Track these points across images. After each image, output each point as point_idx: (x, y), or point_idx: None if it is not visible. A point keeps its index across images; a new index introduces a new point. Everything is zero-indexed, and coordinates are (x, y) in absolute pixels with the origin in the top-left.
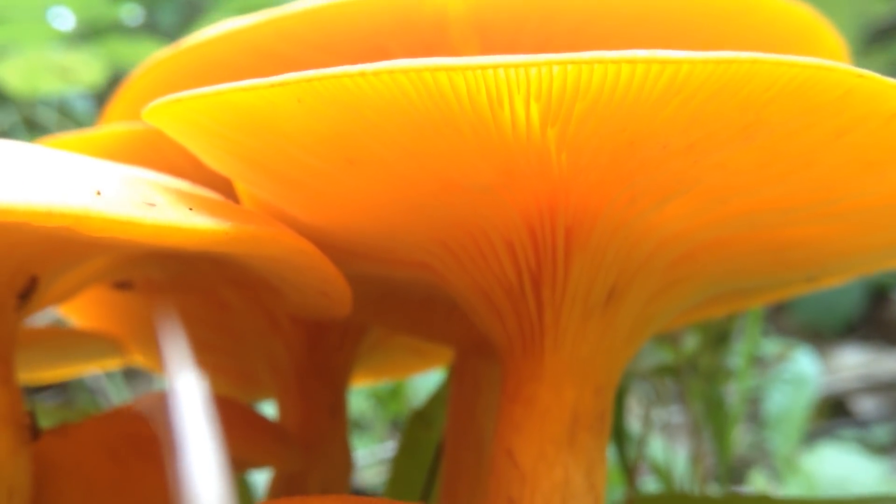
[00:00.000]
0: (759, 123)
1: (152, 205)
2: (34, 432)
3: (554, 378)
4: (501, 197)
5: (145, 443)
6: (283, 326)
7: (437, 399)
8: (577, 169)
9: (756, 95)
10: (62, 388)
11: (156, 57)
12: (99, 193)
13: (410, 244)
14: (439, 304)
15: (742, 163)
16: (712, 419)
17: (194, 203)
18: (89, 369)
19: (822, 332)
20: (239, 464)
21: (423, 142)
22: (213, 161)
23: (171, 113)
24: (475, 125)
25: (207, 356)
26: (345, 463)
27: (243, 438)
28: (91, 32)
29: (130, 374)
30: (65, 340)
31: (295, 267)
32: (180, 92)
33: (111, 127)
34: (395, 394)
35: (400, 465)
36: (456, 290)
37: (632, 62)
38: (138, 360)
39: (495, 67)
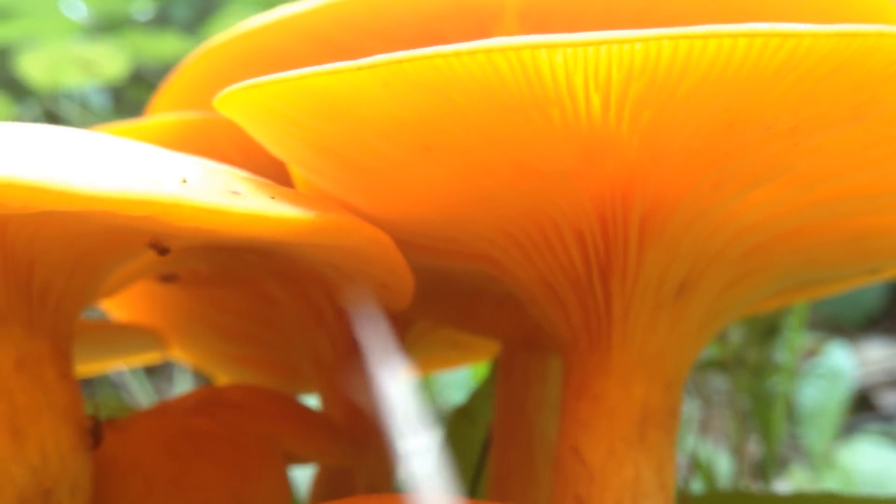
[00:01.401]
0: (872, 102)
1: (237, 193)
2: (97, 435)
3: (622, 373)
4: (576, 184)
5: (202, 438)
6: (328, 320)
7: (481, 394)
8: (664, 153)
9: (877, 72)
10: (86, 384)
11: (208, 45)
12: (185, 181)
13: (475, 235)
14: (488, 297)
15: (843, 145)
16: (759, 414)
17: (274, 192)
18: (129, 363)
19: (844, 326)
20: (289, 458)
21: (508, 126)
22: (281, 149)
23: (246, 98)
24: (566, 107)
25: (250, 349)
26: (391, 459)
27: (296, 432)
28: (108, 26)
29: (151, 370)
30: (108, 334)
31: (368, 258)
32: (255, 78)
33: (164, 116)
34: (422, 388)
35: (447, 462)
36: (517, 283)
37: (750, 36)
38: (176, 354)
39: (599, 44)
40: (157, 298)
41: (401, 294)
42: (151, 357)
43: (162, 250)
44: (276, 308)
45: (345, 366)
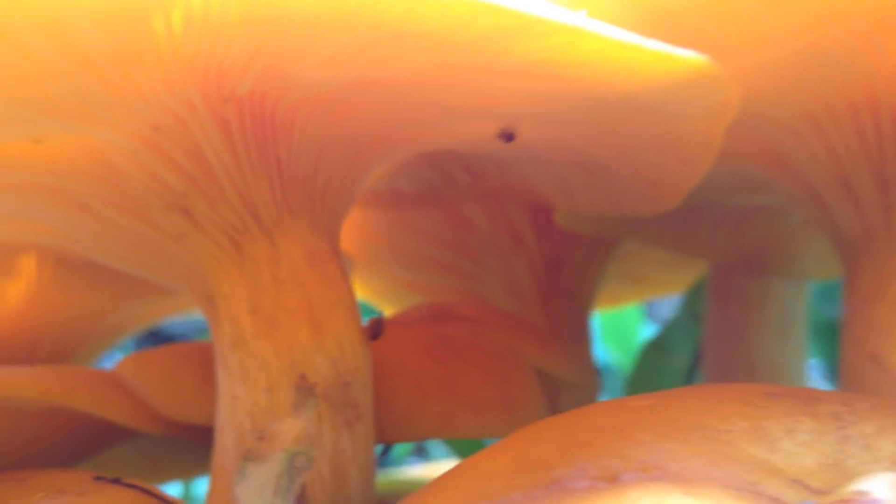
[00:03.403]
0: None
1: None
2: (376, 331)
3: None
4: None
5: (458, 344)
6: (528, 244)
7: (676, 324)
8: None
9: None
10: None
11: None
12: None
13: (772, 121)
14: (708, 215)
15: None
16: None
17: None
18: None
19: None
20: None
21: None
22: None
23: None
24: None
25: (437, 277)
26: (594, 386)
27: (537, 345)
28: None
29: None
30: None
31: (708, 121)
32: None
33: None
34: None
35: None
36: (797, 183)
37: None
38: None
39: None
40: (348, 222)
41: (669, 194)
42: None
43: (509, 136)
44: (471, 232)
45: (542, 290)
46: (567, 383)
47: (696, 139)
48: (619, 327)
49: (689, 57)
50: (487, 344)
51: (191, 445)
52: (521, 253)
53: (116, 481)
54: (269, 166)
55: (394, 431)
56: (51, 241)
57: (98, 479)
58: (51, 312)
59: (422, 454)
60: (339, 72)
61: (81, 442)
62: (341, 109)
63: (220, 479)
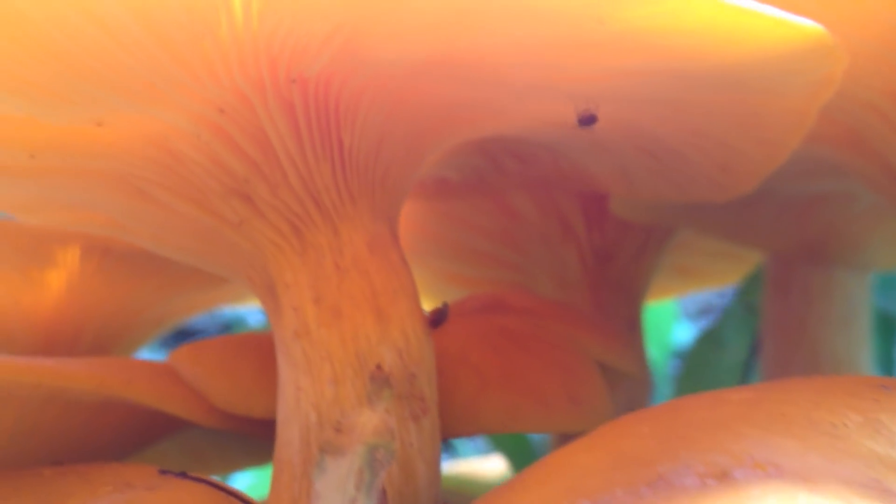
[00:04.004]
0: None
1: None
2: (438, 320)
3: None
4: None
5: (517, 336)
6: (578, 234)
7: (729, 317)
8: None
9: None
10: None
11: None
12: None
13: (855, 100)
14: (769, 204)
15: None
16: None
17: None
18: None
19: None
20: None
21: None
22: None
23: None
24: None
25: (482, 269)
26: (647, 380)
27: (596, 336)
28: None
29: None
30: None
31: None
32: None
33: None
34: None
35: (688, 390)
36: (877, 162)
37: None
38: None
39: None
40: None
41: (741, 179)
42: None
43: (589, 119)
44: (518, 223)
45: (592, 282)
46: (624, 377)
47: (785, 119)
48: (654, 324)
49: (807, 25)
50: (548, 335)
51: (233, 440)
52: (570, 243)
53: (183, 475)
54: (332, 151)
55: (456, 425)
56: (102, 230)
57: (164, 472)
58: (94, 305)
59: (449, 451)
60: (418, 47)
61: (132, 436)
62: (406, 93)
63: (284, 474)
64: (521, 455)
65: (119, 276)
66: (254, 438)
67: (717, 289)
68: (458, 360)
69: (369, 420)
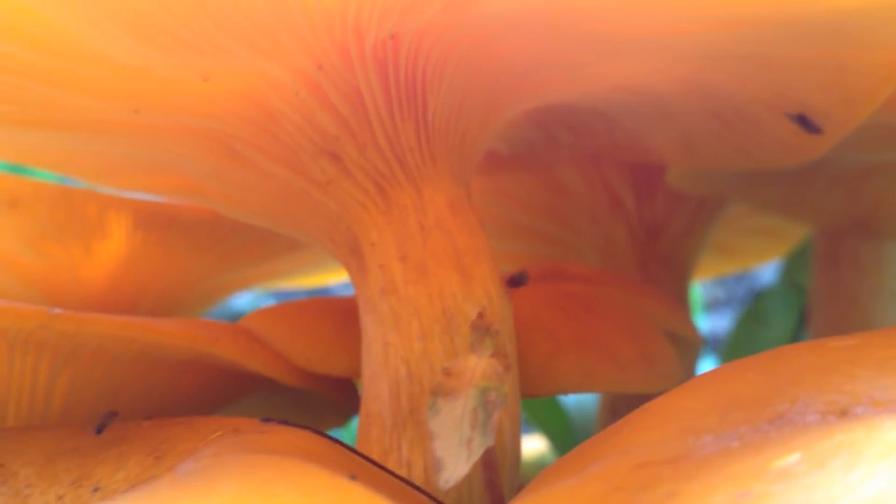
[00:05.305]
0: None
1: None
2: (517, 281)
3: None
4: None
5: (586, 300)
6: (627, 208)
7: (773, 294)
8: None
9: None
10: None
11: None
12: None
13: None
14: (825, 172)
15: None
16: None
17: None
18: None
19: None
20: None
21: None
22: None
23: None
24: None
25: (530, 244)
26: (699, 350)
27: (663, 305)
28: None
29: None
30: None
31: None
32: None
33: None
34: None
35: None
36: None
37: None
38: None
39: None
40: None
41: (822, 138)
42: None
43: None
44: (566, 197)
45: (640, 256)
46: (683, 344)
47: (873, 75)
48: None
49: None
50: (613, 301)
51: (307, 402)
52: (619, 217)
53: (285, 423)
54: (417, 112)
55: (532, 385)
56: (181, 195)
57: (266, 420)
58: (151, 277)
59: None
60: None
61: (211, 396)
62: (491, 51)
63: (373, 427)
64: (562, 435)
65: (180, 248)
66: (326, 400)
67: (755, 268)
68: (531, 323)
69: (477, 364)
